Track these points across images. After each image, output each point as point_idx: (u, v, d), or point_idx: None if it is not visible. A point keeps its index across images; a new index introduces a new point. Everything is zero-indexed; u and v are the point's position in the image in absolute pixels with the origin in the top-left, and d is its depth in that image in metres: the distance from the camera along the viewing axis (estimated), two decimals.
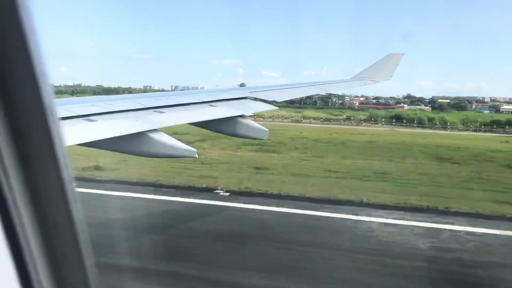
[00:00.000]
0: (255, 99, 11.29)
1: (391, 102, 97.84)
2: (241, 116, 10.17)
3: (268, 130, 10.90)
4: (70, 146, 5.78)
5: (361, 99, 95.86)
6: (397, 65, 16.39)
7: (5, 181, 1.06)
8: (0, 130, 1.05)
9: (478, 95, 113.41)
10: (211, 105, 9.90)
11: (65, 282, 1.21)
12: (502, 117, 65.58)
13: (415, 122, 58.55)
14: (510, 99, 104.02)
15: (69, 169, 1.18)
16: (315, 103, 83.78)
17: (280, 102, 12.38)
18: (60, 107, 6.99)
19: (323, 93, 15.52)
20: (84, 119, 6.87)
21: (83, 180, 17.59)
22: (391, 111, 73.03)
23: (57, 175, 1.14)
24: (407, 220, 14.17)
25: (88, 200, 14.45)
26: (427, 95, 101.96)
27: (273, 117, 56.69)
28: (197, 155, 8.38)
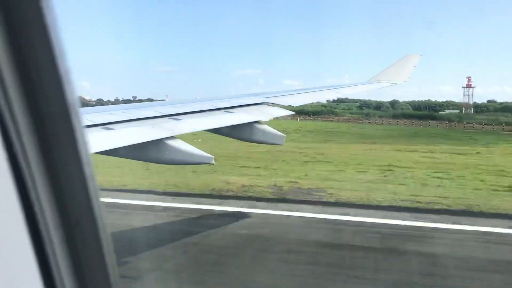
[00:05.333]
0: (272, 104, 11.26)
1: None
2: (257, 121, 10.14)
3: (285, 135, 10.77)
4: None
5: None
6: (415, 66, 16.21)
7: (30, 180, 1.05)
8: (23, 124, 1.04)
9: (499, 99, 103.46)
10: (228, 111, 9.89)
11: (87, 280, 1.20)
12: None
13: None
14: None
15: (91, 166, 1.16)
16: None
17: (296, 107, 12.33)
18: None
19: (339, 96, 15.41)
20: (102, 128, 6.92)
21: None
22: None
23: (79, 173, 1.14)
24: None
25: None
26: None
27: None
28: (214, 162, 8.32)
